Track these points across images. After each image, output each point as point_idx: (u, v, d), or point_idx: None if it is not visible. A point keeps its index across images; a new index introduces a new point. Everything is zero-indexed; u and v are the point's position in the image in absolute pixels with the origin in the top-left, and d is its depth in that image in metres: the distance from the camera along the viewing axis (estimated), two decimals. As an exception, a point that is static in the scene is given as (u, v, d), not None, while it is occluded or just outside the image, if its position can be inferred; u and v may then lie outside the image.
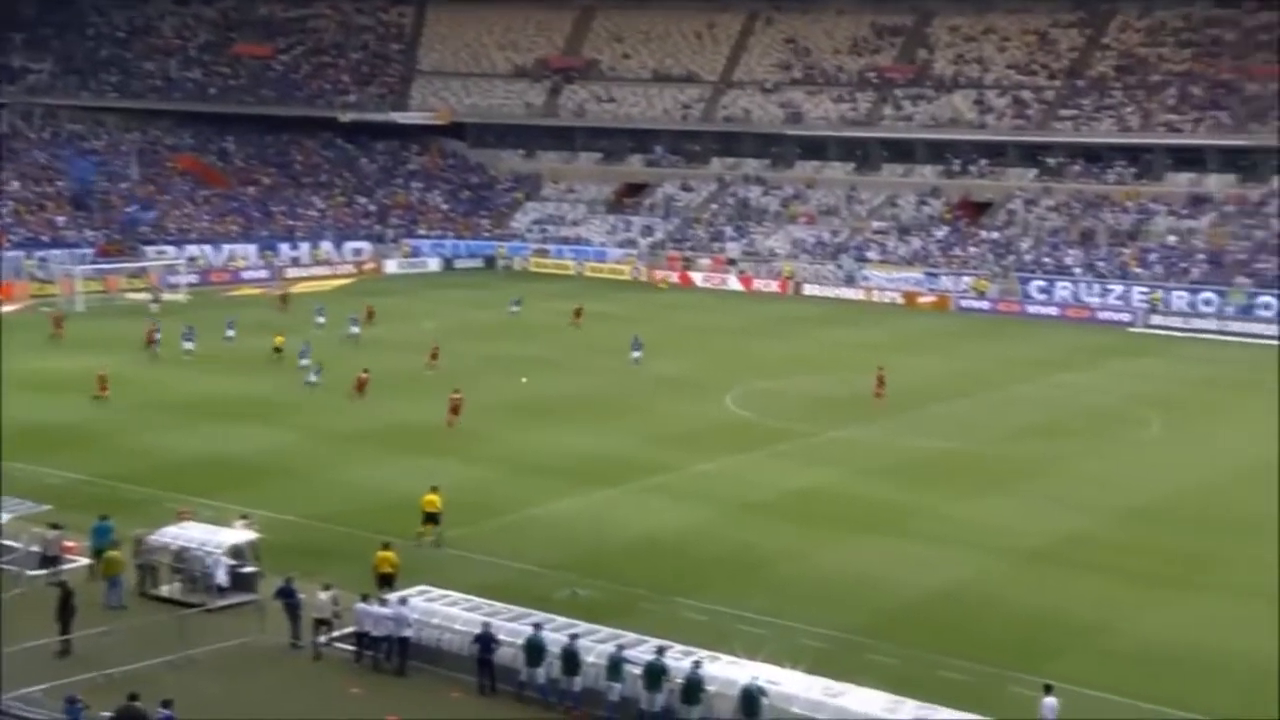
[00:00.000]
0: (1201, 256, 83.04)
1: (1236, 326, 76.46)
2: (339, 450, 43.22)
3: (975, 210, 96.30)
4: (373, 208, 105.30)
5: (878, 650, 27.20)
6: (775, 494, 39.43)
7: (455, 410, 46.12)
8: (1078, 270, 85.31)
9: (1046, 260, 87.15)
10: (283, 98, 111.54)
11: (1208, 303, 79.17)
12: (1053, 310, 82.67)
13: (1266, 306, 77.11)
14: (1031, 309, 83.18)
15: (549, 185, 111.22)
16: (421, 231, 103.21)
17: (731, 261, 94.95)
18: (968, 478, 42.35)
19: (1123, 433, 49.61)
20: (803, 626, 28.37)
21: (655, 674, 23.88)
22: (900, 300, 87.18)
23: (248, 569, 29.53)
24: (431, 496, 33.75)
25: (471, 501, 35.01)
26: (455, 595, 27.68)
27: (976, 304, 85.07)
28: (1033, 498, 40.16)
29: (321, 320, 67.22)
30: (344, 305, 72.58)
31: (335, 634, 27.18)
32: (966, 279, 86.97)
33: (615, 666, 24.36)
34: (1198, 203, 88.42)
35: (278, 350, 57.96)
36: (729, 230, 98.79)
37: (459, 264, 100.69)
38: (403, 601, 26.83)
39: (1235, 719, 24.61)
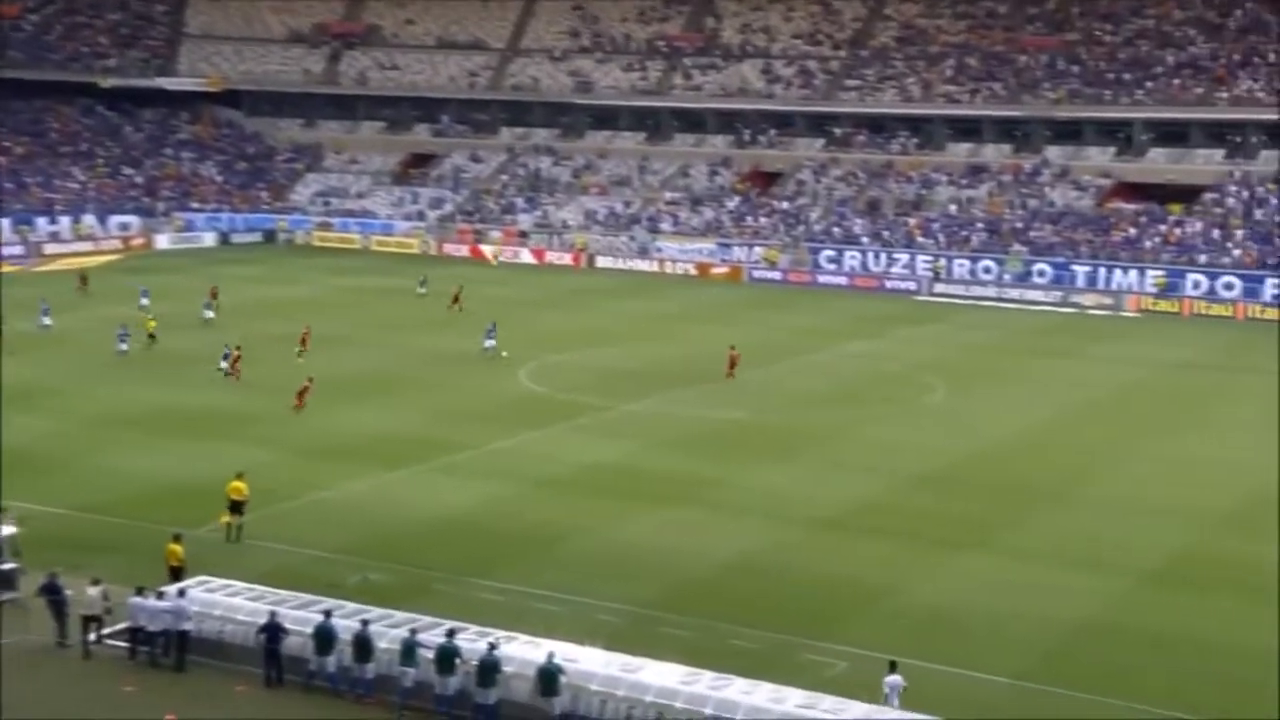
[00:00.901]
0: (981, 225, 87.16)
1: (1015, 293, 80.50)
2: (107, 437, 41.28)
3: (766, 180, 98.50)
4: (140, 179, 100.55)
5: (673, 623, 27.59)
6: (571, 469, 39.55)
7: (301, 396, 45.73)
8: (865, 240, 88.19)
9: (836, 230, 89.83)
10: (34, 60, 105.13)
11: (987, 270, 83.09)
12: (842, 280, 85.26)
13: (1042, 273, 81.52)
14: (822, 278, 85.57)
15: (331, 156, 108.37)
16: (195, 205, 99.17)
17: (523, 234, 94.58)
18: (760, 447, 43.30)
19: (910, 399, 51.62)
20: (598, 602, 28.59)
21: (448, 657, 23.69)
22: (693, 271, 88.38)
23: (7, 565, 27.98)
24: (237, 483, 32.60)
25: (257, 487, 33.95)
26: (238, 585, 26.84)
27: (768, 274, 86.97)
28: (824, 465, 41.38)
29: (145, 302, 64.20)
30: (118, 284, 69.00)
31: (106, 631, 26.02)
32: (758, 249, 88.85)
33: (408, 651, 24.04)
34: (976, 172, 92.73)
35: (152, 337, 56.71)
36: (520, 202, 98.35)
37: (236, 239, 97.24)
38: (181, 594, 25.85)
39: (1014, 678, 25.99)
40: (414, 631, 24.45)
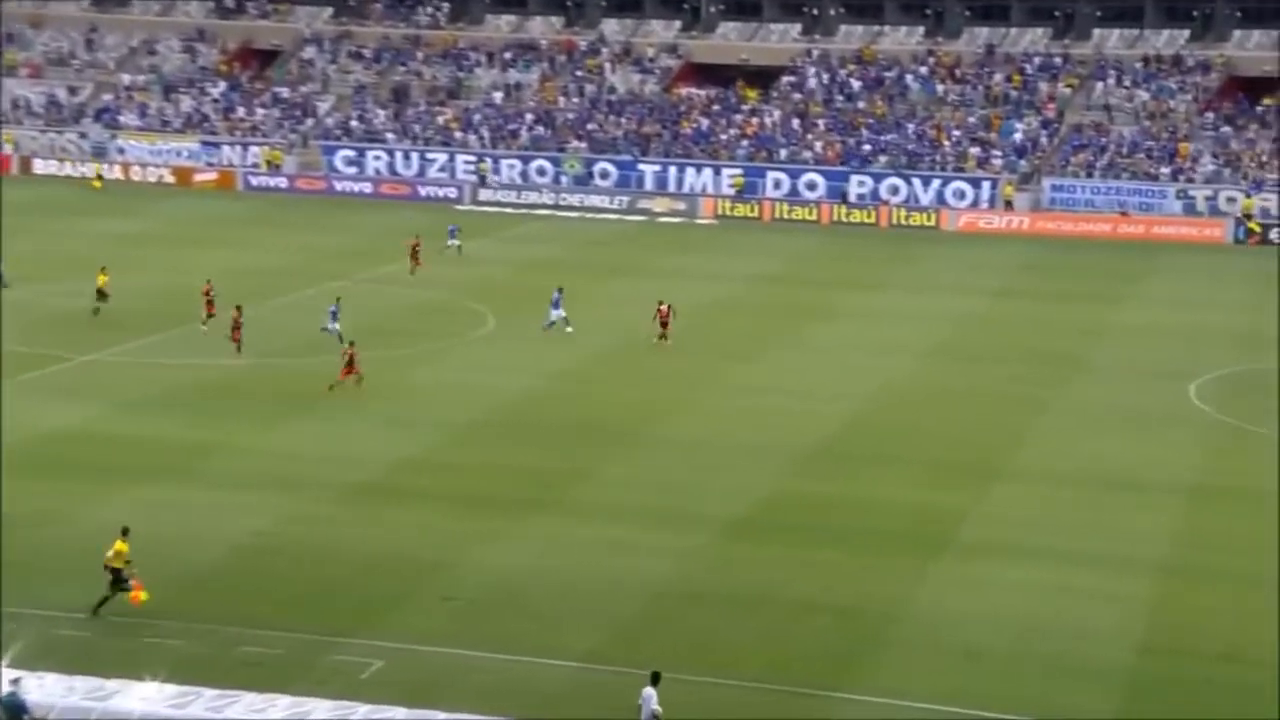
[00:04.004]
0: (531, 118, 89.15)
1: (574, 199, 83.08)
2: None
3: (260, 60, 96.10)
4: None
5: (161, 631, 26.83)
6: (17, 442, 37.37)
7: (351, 365, 43.61)
8: (391, 137, 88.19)
9: (354, 125, 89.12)
10: None
11: (541, 172, 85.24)
12: (365, 187, 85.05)
13: (605, 175, 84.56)
14: (340, 185, 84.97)
15: None
16: None
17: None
18: (269, 402, 42.75)
19: (455, 333, 52.29)
20: (58, 613, 27.36)
21: None
22: (170, 178, 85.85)
23: None
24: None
25: None
26: None
27: (270, 181, 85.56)
28: (351, 419, 41.29)
29: None
30: None
31: None
32: (255, 150, 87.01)
33: None
34: (522, 51, 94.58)
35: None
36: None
37: None
38: None
39: (583, 661, 26.99)
40: None
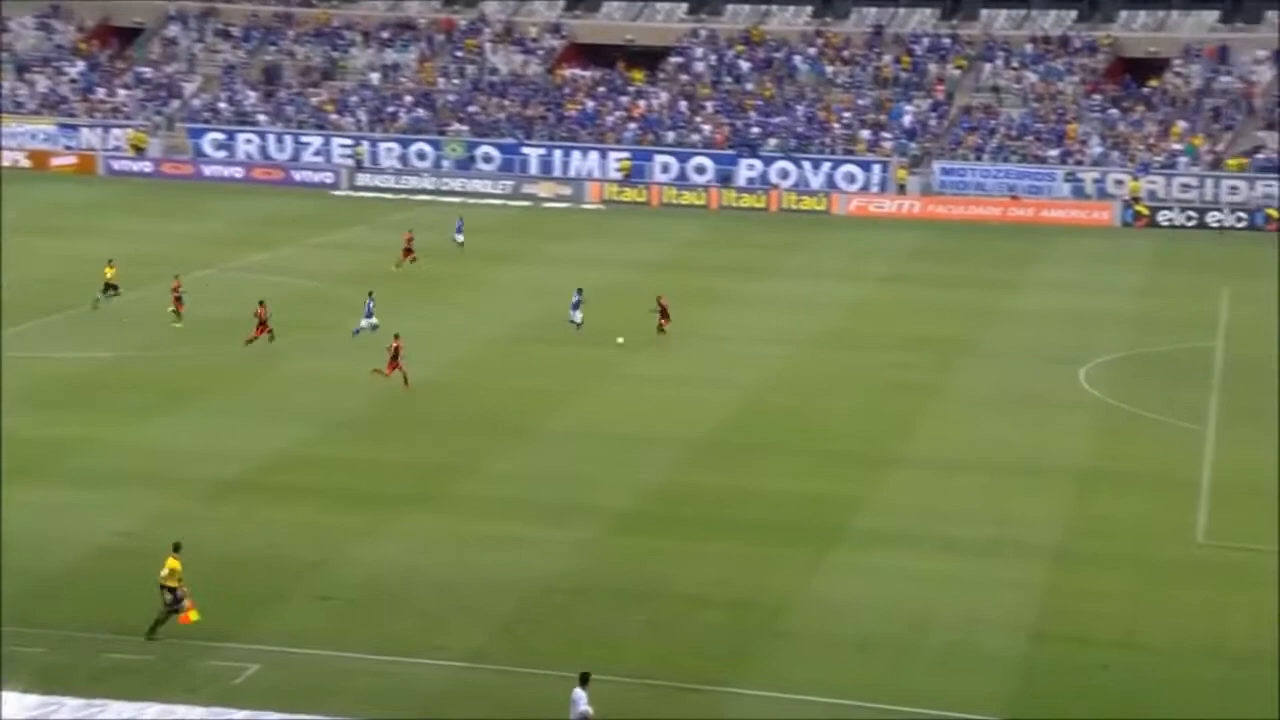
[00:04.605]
0: (410, 99, 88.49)
1: (456, 183, 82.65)
2: None
3: (121, 38, 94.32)
4: None
5: (19, 639, 26.21)
6: None
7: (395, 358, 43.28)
8: (263, 119, 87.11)
9: (223, 107, 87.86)
10: None
11: (422, 156, 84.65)
12: (236, 171, 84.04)
13: (488, 158, 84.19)
14: (209, 170, 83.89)
15: None
16: None
17: None
18: (138, 395, 42.15)
19: (333, 323, 51.68)
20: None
21: None
22: (26, 162, 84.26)
23: None
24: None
25: None
26: None
27: (134, 165, 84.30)
28: (223, 413, 40.81)
29: None
30: None
31: None
32: (117, 133, 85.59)
33: None
34: (400, 30, 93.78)
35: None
36: None
37: None
38: None
39: (468, 660, 26.80)
40: None
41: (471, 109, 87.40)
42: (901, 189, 79.39)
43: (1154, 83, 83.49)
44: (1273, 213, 73.81)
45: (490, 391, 44.21)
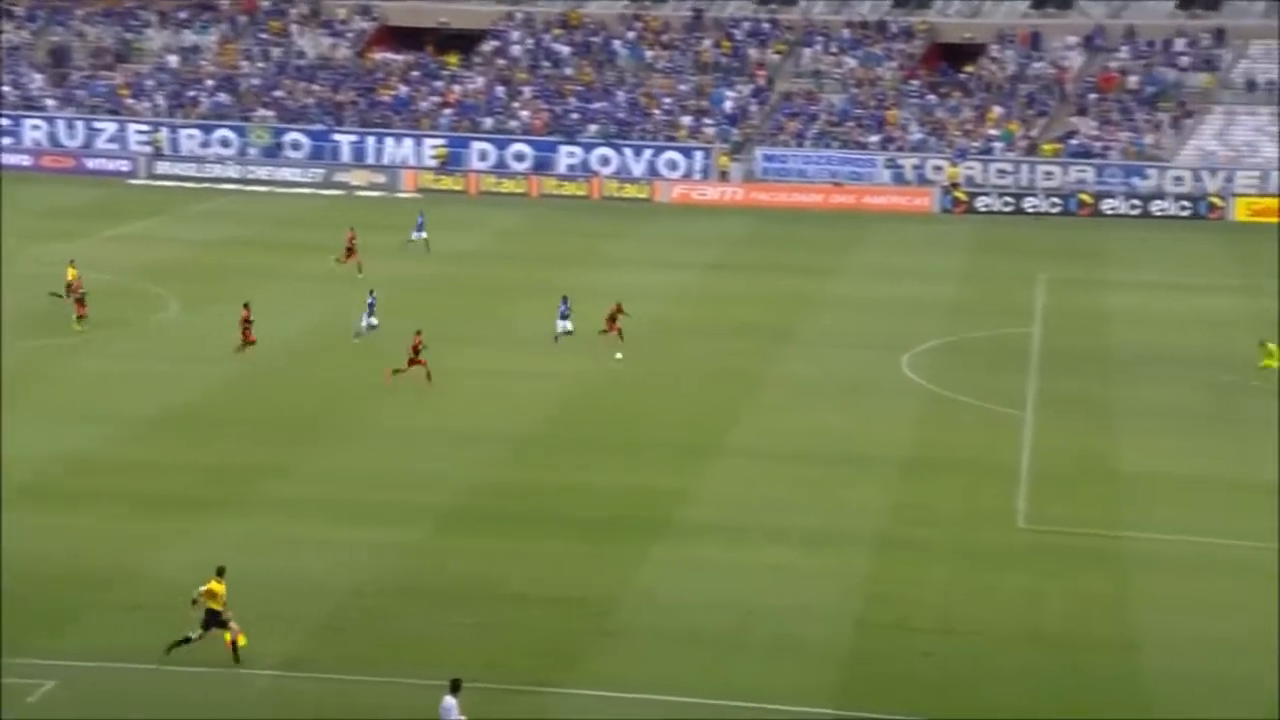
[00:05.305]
0: (212, 83, 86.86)
1: (263, 172, 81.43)
2: None
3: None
4: None
5: None
6: None
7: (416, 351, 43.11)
8: (52, 104, 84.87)
9: (7, 91, 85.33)
10: None
11: (225, 143, 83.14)
12: (23, 159, 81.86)
13: (296, 146, 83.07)
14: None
15: None
16: None
17: None
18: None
19: (132, 319, 50.80)
20: None
21: None
22: None
23: None
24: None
25: None
26: None
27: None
28: (13, 414, 39.64)
29: None
30: None
31: None
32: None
33: None
34: (200, 10, 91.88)
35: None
36: None
37: None
38: None
39: (280, 669, 26.57)
40: None
41: (278, 94, 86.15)
42: (724, 176, 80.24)
43: (970, 69, 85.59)
44: (1086, 198, 76.30)
45: (304, 389, 43.77)
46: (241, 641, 26.03)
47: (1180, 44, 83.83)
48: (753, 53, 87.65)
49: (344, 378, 44.76)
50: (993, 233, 71.98)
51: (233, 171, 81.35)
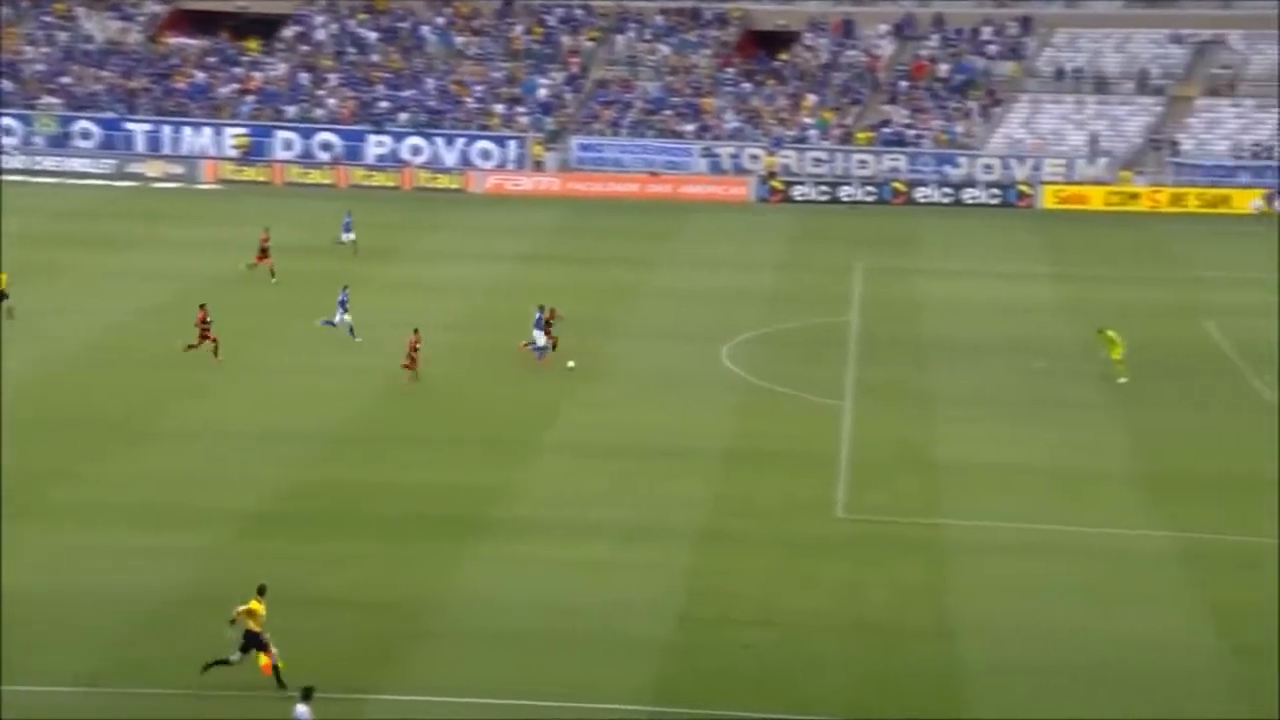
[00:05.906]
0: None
1: (50, 162, 79.59)
2: None
3: None
4: None
5: None
6: None
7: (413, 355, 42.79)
8: None
9: None
10: None
11: (9, 132, 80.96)
12: None
13: (86, 135, 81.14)
14: None
15: None
16: None
17: None
18: None
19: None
20: None
21: None
22: None
23: None
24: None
25: None
26: None
27: None
28: None
29: None
30: None
31: None
32: None
33: None
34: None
35: None
36: None
37: None
38: None
39: (82, 685, 25.95)
40: None
41: (64, 80, 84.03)
42: (539, 165, 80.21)
43: (784, 56, 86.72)
44: (900, 186, 77.82)
45: (97, 390, 42.76)
46: (281, 665, 25.29)
47: (988, 32, 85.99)
48: (566, 39, 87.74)
49: (145, 379, 43.76)
50: (809, 222, 73.00)
51: (18, 161, 79.34)
